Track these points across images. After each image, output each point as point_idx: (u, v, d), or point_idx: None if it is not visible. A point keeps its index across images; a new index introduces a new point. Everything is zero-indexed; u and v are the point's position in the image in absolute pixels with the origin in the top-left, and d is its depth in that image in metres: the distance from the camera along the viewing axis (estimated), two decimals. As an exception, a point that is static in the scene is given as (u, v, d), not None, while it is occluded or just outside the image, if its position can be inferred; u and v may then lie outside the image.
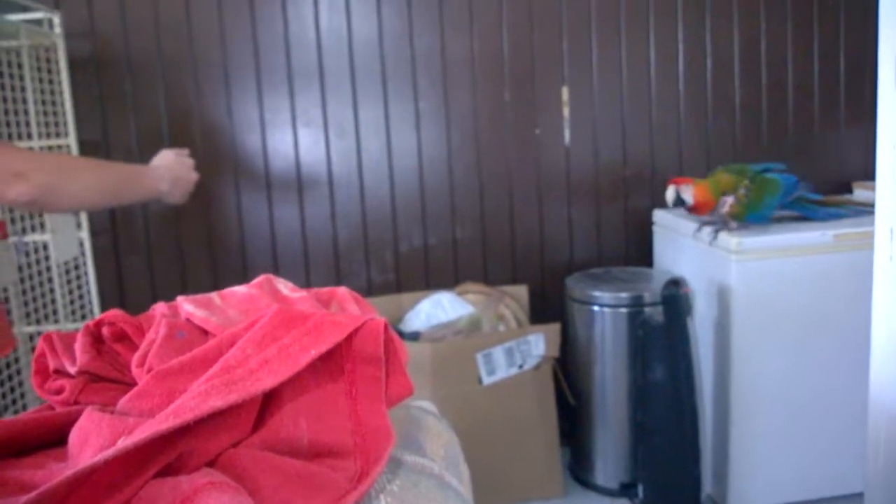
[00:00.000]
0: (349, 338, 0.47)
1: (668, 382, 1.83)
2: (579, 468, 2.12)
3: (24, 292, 1.90)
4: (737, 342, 1.82)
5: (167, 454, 0.38)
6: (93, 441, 0.41)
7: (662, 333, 1.85)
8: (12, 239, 1.74)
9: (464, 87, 2.14)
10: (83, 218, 1.98)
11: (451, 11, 2.11)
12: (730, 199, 1.83)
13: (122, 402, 0.44)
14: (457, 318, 2.01)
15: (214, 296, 0.55)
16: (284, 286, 0.57)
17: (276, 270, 2.14)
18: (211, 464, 0.40)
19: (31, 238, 1.88)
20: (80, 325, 2.00)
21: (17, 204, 1.09)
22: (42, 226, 1.92)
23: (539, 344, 1.95)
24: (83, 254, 1.99)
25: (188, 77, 2.06)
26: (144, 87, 2.05)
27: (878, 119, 0.78)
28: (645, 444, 1.90)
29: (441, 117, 2.15)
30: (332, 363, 0.47)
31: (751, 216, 1.84)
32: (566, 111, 2.18)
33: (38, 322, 1.95)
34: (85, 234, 1.98)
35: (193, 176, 1.46)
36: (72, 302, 2.01)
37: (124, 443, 0.36)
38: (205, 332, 0.51)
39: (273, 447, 0.42)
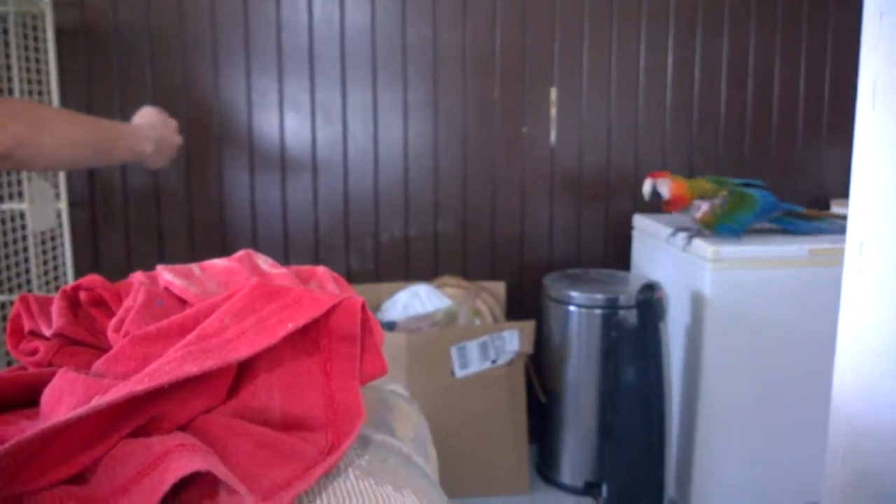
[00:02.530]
0: (326, 314, 0.47)
1: (638, 385, 1.86)
2: (545, 465, 2.14)
3: (-3, 260, 1.87)
4: (708, 349, 1.85)
5: (140, 416, 0.39)
6: (66, 400, 0.42)
7: (635, 337, 1.87)
8: (-11, 205, 1.72)
9: (454, 81, 2.15)
10: (62, 189, 1.96)
11: (445, 5, 2.12)
12: (704, 206, 1.85)
13: (97, 364, 0.44)
14: (434, 310, 2.02)
15: (194, 267, 0.55)
16: (264, 262, 0.57)
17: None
18: (183, 428, 0.41)
19: (7, 206, 1.86)
20: (53, 296, 1.98)
21: None
22: (20, 194, 1.89)
23: (513, 340, 1.97)
24: (60, 225, 1.98)
25: (176, 53, 2.04)
26: (132, 61, 2.04)
27: (854, 134, 0.80)
28: (611, 445, 1.93)
29: (429, 110, 2.15)
30: (308, 338, 0.47)
31: (721, 227, 1.86)
32: (553, 111, 2.20)
33: (9, 291, 1.93)
34: (63, 206, 1.96)
35: (177, 139, 1.36)
36: (45, 273, 1.99)
37: (98, 401, 0.37)
38: (183, 302, 0.51)
39: (245, 416, 0.43)
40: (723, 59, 2.26)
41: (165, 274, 0.52)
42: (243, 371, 0.44)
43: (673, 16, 2.21)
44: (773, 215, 1.93)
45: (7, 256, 1.89)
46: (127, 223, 2.11)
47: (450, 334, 1.93)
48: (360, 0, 2.09)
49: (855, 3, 2.26)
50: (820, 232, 1.94)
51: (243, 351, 0.42)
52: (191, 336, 0.43)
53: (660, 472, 1.87)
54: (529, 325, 1.98)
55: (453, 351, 1.92)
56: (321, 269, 0.58)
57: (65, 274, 2.00)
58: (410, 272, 2.21)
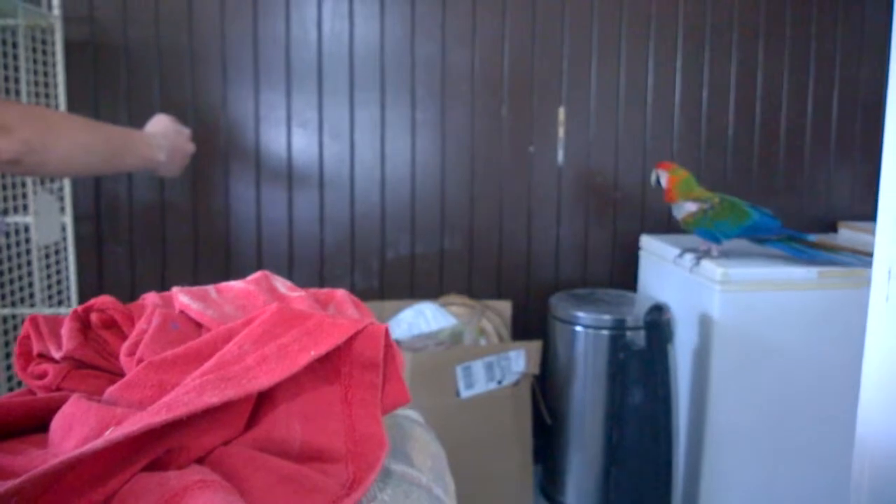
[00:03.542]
0: (349, 341, 0.46)
1: (646, 407, 1.84)
2: (550, 486, 2.11)
3: (0, 273, 1.86)
4: (715, 372, 1.82)
5: (156, 448, 0.37)
6: (77, 429, 0.40)
7: (643, 358, 1.85)
8: (-7, 218, 1.71)
9: (462, 99, 2.14)
10: (67, 202, 1.95)
11: (454, 23, 2.12)
12: (692, 207, 1.86)
13: (111, 391, 0.43)
14: (439, 329, 2.00)
15: (210, 289, 0.53)
16: (282, 284, 0.56)
17: (260, 269, 2.11)
18: (200, 461, 0.39)
19: (12, 219, 1.85)
20: (57, 310, 1.97)
21: None
22: (25, 207, 1.88)
23: (519, 360, 1.95)
24: (65, 239, 1.96)
25: (185, 69, 2.04)
26: (140, 76, 2.03)
27: (882, 158, 0.78)
28: (617, 468, 1.90)
29: (437, 128, 2.15)
30: (328, 365, 0.46)
31: (700, 230, 1.88)
32: (561, 131, 2.19)
33: (13, 305, 1.91)
34: (68, 219, 1.94)
35: (190, 147, 1.35)
36: (49, 287, 1.97)
37: (113, 434, 0.35)
38: (199, 326, 0.49)
39: (265, 448, 0.41)
40: (731, 80, 2.26)
41: (181, 296, 0.51)
42: (262, 400, 0.42)
43: (681, 36, 2.21)
44: (774, 237, 1.90)
45: (10, 270, 1.87)
46: (132, 237, 2.09)
47: (455, 354, 1.91)
48: (370, 17, 2.09)
49: (864, 24, 2.27)
50: (830, 262, 1.89)
51: (264, 380, 0.40)
52: (209, 363, 0.41)
53: (666, 496, 1.84)
54: (536, 346, 1.96)
55: (459, 371, 1.89)
56: (340, 293, 0.56)
57: (68, 288, 1.98)
58: (416, 290, 2.19)
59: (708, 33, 2.23)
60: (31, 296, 1.93)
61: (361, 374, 0.46)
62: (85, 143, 1.05)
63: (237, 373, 0.41)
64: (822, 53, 2.29)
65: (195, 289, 0.53)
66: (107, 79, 2.02)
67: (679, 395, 1.95)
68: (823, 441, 1.86)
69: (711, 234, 1.87)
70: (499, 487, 2.00)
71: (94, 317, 0.52)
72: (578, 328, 1.98)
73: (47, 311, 1.97)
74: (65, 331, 0.52)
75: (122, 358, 0.48)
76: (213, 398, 0.37)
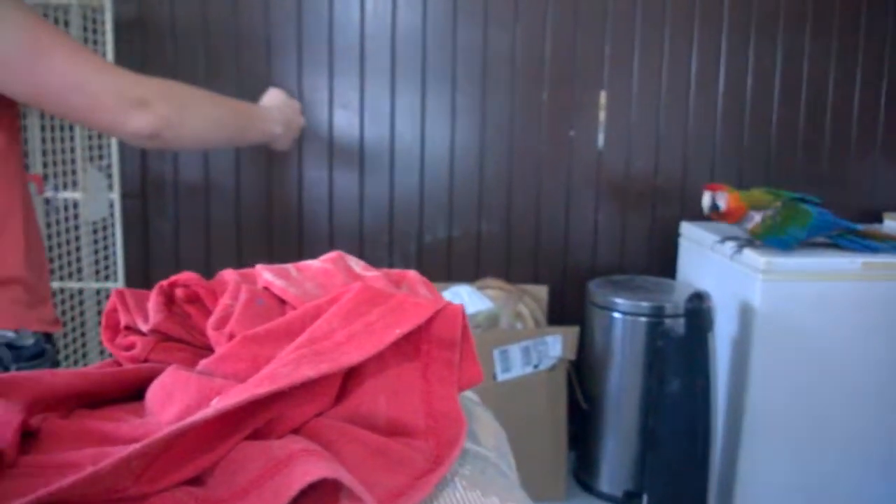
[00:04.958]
0: (428, 320, 0.47)
1: (684, 395, 1.83)
2: (584, 473, 2.12)
3: (50, 248, 1.91)
4: (755, 361, 1.81)
5: (258, 418, 0.39)
6: (178, 399, 0.42)
7: (682, 346, 1.84)
8: (48, 193, 1.76)
9: (502, 83, 2.14)
10: (115, 179, 1.99)
11: (496, 8, 2.11)
12: (757, 217, 1.81)
13: (205, 363, 0.44)
14: (475, 312, 2.01)
15: (290, 267, 0.55)
16: (356, 264, 0.57)
17: (300, 250, 2.15)
18: (296, 432, 0.40)
19: (62, 195, 1.89)
20: (104, 284, 2.02)
21: (137, 137, 0.93)
22: (74, 184, 1.93)
23: (556, 345, 1.95)
24: (112, 215, 2.01)
25: (230, 48, 2.06)
26: (186, 54, 2.06)
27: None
28: (653, 455, 1.90)
29: (477, 112, 2.15)
30: (409, 343, 0.47)
31: (771, 239, 1.82)
32: (602, 115, 2.18)
33: (61, 279, 1.96)
34: (116, 196, 1.99)
35: (301, 121, 1.36)
36: (96, 262, 2.02)
37: (221, 403, 0.37)
38: (282, 302, 0.51)
39: (353, 421, 0.42)
40: (776, 67, 2.22)
41: (265, 273, 0.52)
42: (350, 375, 0.44)
43: (727, 21, 2.18)
44: (830, 233, 1.87)
45: (59, 245, 1.92)
46: (177, 215, 2.13)
47: (492, 337, 1.92)
48: (412, 1, 2.09)
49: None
50: (875, 250, 1.87)
51: (354, 356, 0.42)
52: (301, 339, 0.43)
53: (702, 484, 1.84)
54: (573, 331, 1.97)
55: (496, 354, 1.91)
56: (412, 274, 0.57)
57: (115, 263, 2.03)
58: (453, 273, 2.21)
59: (754, 18, 2.19)
60: (80, 270, 1.98)
61: (440, 352, 0.48)
62: (216, 117, 1.07)
63: (328, 348, 0.42)
64: (871, 41, 2.24)
65: (277, 266, 0.54)
66: (154, 57, 2.05)
67: (717, 385, 1.94)
68: (862, 434, 1.84)
69: (784, 241, 1.82)
70: (533, 472, 2.02)
71: (178, 292, 0.54)
72: (616, 314, 1.98)
73: (95, 285, 2.02)
74: (151, 305, 0.53)
75: (210, 331, 0.49)
76: (310, 371, 0.39)
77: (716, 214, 1.83)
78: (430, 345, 0.48)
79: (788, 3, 2.19)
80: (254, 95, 1.31)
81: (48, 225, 1.87)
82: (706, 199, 1.82)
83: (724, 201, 1.80)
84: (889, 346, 1.80)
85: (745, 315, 1.84)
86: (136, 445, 0.34)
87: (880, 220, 2.28)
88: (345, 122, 2.13)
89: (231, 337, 0.46)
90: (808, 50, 2.22)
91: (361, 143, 2.14)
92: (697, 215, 2.24)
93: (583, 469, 2.13)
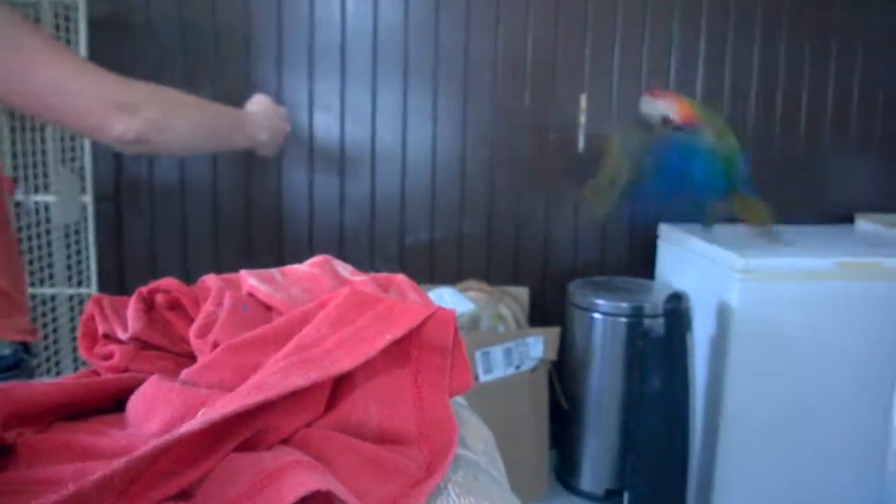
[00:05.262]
0: (419, 325, 0.46)
1: (663, 395, 1.84)
2: (566, 472, 2.13)
3: (21, 253, 1.86)
4: (733, 360, 1.83)
5: (247, 429, 0.37)
6: (161, 410, 0.40)
7: (661, 346, 1.85)
8: (18, 196, 1.72)
9: (484, 86, 2.14)
10: (88, 182, 1.95)
11: (478, 10, 2.10)
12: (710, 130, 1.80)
13: (188, 372, 0.43)
14: (457, 314, 2.00)
15: (275, 272, 0.54)
16: (343, 268, 0.56)
17: (280, 252, 2.12)
18: (285, 442, 0.39)
19: (34, 198, 1.85)
20: (76, 290, 1.98)
21: (122, 142, 0.92)
22: (46, 187, 1.89)
23: (538, 346, 1.95)
24: (85, 218, 1.97)
25: (209, 48, 2.04)
26: (163, 54, 2.03)
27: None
28: (634, 453, 1.91)
29: (458, 114, 2.14)
30: (399, 349, 0.46)
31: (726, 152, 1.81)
32: (583, 119, 2.18)
33: (32, 285, 1.92)
34: (89, 199, 1.95)
35: (287, 127, 1.35)
36: (69, 267, 1.98)
37: (208, 415, 0.35)
38: (268, 308, 0.50)
39: (343, 430, 0.41)
40: (753, 70, 2.24)
41: (250, 279, 0.51)
42: (340, 383, 0.43)
43: (704, 25, 2.20)
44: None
45: (31, 250, 1.88)
46: (152, 217, 2.10)
47: (475, 339, 1.91)
48: (395, 2, 2.07)
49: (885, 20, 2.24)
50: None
51: (345, 363, 0.41)
52: (289, 346, 0.42)
53: (682, 481, 1.85)
54: (554, 332, 1.97)
55: (478, 355, 1.90)
56: (400, 278, 0.57)
57: (88, 268, 1.99)
58: (435, 275, 2.20)
59: (731, 23, 2.21)
60: (52, 276, 1.94)
61: (431, 358, 0.47)
62: (202, 122, 1.07)
63: (318, 356, 0.41)
64: (843, 44, 2.27)
65: (261, 271, 0.53)
66: (130, 56, 2.02)
67: (696, 384, 1.95)
68: (838, 432, 1.86)
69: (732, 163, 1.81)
70: (515, 472, 2.01)
71: (159, 298, 0.52)
72: (597, 315, 1.99)
73: (67, 290, 1.98)
74: (130, 311, 0.52)
75: (193, 339, 0.48)
76: (299, 380, 0.38)
77: (665, 125, 1.74)
78: (421, 350, 0.47)
79: (765, 6, 2.21)
80: (232, 95, 1.29)
81: (19, 229, 1.83)
82: (649, 107, 1.68)
83: (675, 112, 1.71)
84: (865, 346, 1.83)
85: (724, 315, 1.86)
86: (120, 461, 0.32)
87: (851, 221, 2.32)
88: (325, 123, 2.11)
89: (215, 345, 0.45)
90: (783, 52, 2.25)
91: (342, 143, 2.12)
92: (676, 217, 2.26)
93: (565, 468, 2.13)
